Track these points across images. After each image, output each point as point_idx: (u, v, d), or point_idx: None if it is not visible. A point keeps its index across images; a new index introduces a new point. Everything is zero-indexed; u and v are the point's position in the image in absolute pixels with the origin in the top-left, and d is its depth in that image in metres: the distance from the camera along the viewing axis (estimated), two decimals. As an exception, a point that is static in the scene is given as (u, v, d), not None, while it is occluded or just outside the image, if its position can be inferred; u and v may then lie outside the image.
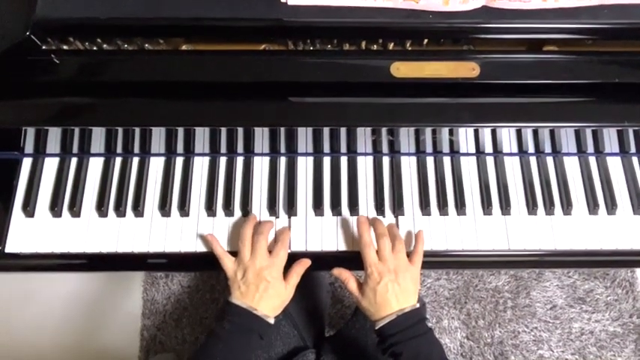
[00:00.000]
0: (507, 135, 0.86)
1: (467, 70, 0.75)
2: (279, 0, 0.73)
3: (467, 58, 0.76)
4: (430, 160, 0.87)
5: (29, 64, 0.74)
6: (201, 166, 0.87)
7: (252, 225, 0.80)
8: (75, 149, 0.86)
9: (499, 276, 1.47)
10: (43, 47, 0.75)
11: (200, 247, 0.82)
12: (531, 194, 0.85)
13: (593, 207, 0.84)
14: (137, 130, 0.84)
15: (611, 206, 0.84)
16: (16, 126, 0.80)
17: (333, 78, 0.76)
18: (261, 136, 0.84)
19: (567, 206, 0.84)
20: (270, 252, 0.77)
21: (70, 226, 0.83)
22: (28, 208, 0.83)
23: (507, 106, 0.77)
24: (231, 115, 0.78)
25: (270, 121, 0.79)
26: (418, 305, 0.74)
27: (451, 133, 0.84)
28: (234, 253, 0.78)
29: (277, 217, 0.84)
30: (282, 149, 0.86)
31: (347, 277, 0.78)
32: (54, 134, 0.84)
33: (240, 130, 0.84)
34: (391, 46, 0.80)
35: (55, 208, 0.83)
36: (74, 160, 0.87)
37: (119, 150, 0.86)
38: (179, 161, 0.87)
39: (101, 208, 0.83)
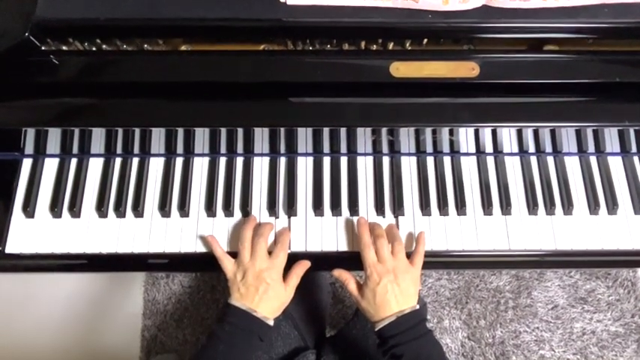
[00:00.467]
0: (508, 135, 0.86)
1: (467, 69, 0.75)
2: (279, 0, 0.73)
3: (467, 57, 0.76)
4: (430, 160, 0.87)
5: (28, 64, 0.74)
6: (200, 166, 0.87)
7: (252, 226, 0.80)
8: (75, 150, 0.86)
9: (500, 276, 1.46)
10: (43, 48, 0.75)
11: (200, 248, 0.82)
12: (532, 194, 0.85)
13: (594, 207, 0.84)
14: (137, 131, 0.84)
15: (612, 206, 0.84)
16: (15, 127, 0.80)
17: (333, 78, 0.76)
18: (261, 136, 0.84)
19: (568, 206, 0.84)
20: (269, 254, 0.77)
21: (70, 227, 0.83)
22: (28, 209, 0.83)
23: (508, 105, 0.77)
24: (231, 116, 0.78)
25: (269, 122, 0.78)
26: (418, 307, 0.74)
27: (451, 133, 0.84)
28: (234, 254, 0.78)
29: (277, 217, 0.84)
30: (282, 149, 0.86)
31: (347, 278, 0.77)
32: (54, 135, 0.84)
33: (240, 131, 0.84)
34: (391, 45, 0.80)
35: (55, 209, 0.83)
36: (74, 161, 0.87)
37: (119, 150, 0.86)
38: (179, 162, 0.87)
39: (101, 209, 0.83)
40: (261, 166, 0.87)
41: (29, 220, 0.83)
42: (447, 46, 0.81)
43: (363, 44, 0.80)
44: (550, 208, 0.84)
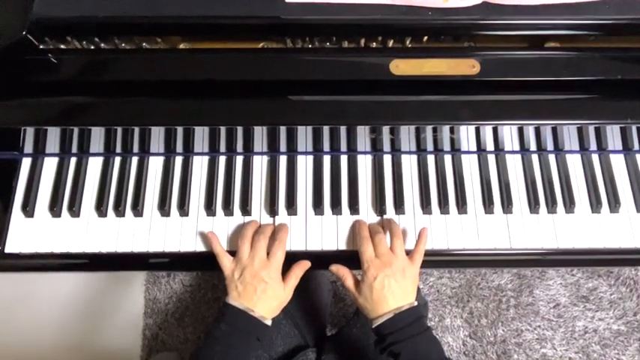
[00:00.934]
0: (509, 133, 0.85)
1: (467, 67, 0.74)
2: (278, -2, 0.72)
3: (467, 55, 0.76)
4: (431, 159, 0.87)
5: (26, 63, 0.74)
6: (200, 165, 0.87)
7: (252, 226, 0.79)
8: (74, 149, 0.86)
9: (502, 274, 1.46)
10: (41, 47, 0.75)
11: (200, 247, 0.82)
12: (533, 192, 0.84)
13: (595, 205, 0.83)
14: (136, 130, 0.84)
15: (614, 204, 0.83)
16: (13, 126, 0.79)
17: (332, 76, 0.76)
18: (261, 134, 0.84)
19: (570, 204, 0.83)
20: (268, 253, 0.77)
21: (70, 226, 0.83)
22: (28, 208, 0.83)
23: (508, 103, 0.77)
24: (230, 114, 0.77)
25: (269, 120, 0.78)
26: (416, 303, 0.73)
27: (452, 131, 0.84)
28: (234, 253, 0.78)
29: (277, 215, 0.83)
30: (282, 148, 0.86)
31: (344, 273, 0.77)
32: (53, 134, 0.84)
33: (240, 129, 0.83)
34: (390, 43, 0.79)
35: (55, 208, 0.83)
36: (73, 160, 0.86)
37: (118, 149, 0.86)
38: (178, 160, 0.87)
39: (100, 208, 0.83)
40: (261, 164, 0.87)
41: (29, 219, 0.83)
42: (448, 44, 0.80)
43: (362, 42, 0.79)
44: (552, 207, 0.83)
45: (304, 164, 0.86)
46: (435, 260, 0.83)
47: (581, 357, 1.39)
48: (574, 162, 0.87)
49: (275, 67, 0.76)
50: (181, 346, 1.41)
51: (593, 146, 0.86)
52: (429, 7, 0.72)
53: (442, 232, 0.82)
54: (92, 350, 1.43)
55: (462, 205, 0.83)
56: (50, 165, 0.86)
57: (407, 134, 0.84)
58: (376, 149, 0.86)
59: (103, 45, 0.79)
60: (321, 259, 0.81)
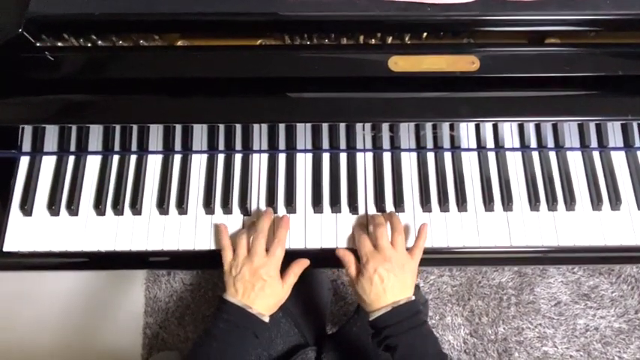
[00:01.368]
0: (509, 130, 0.85)
1: (466, 63, 0.74)
2: (275, -6, 0.72)
3: (466, 51, 0.75)
4: (431, 156, 0.86)
5: (23, 61, 0.74)
6: (199, 163, 0.86)
7: (253, 222, 0.79)
8: (72, 147, 0.86)
9: (503, 272, 1.45)
10: (37, 44, 0.75)
11: (198, 245, 0.82)
12: (534, 190, 0.84)
13: (596, 202, 0.83)
14: (134, 128, 0.84)
15: (615, 202, 0.83)
16: (10, 124, 0.79)
17: (331, 73, 0.75)
18: (259, 132, 0.83)
19: (570, 202, 0.83)
20: (267, 250, 0.76)
21: (68, 225, 0.83)
22: (26, 207, 0.83)
23: (508, 100, 0.76)
24: (229, 112, 0.77)
25: (267, 117, 0.78)
26: (414, 298, 0.73)
27: (452, 128, 0.83)
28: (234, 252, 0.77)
29: (276, 214, 0.83)
30: (281, 146, 0.86)
31: (349, 260, 0.76)
32: (51, 132, 0.84)
33: (238, 127, 0.83)
34: (389, 39, 0.79)
35: (53, 207, 0.83)
36: (71, 159, 0.86)
37: (116, 148, 0.86)
38: (177, 159, 0.86)
39: (99, 207, 0.83)
40: (259, 162, 0.86)
41: (27, 218, 0.83)
42: (447, 40, 0.80)
43: (361, 38, 0.79)
44: (552, 204, 0.83)
45: (303, 162, 0.86)
46: (435, 258, 0.83)
47: (582, 355, 1.38)
48: (575, 159, 0.86)
49: (273, 65, 0.76)
50: (182, 345, 1.40)
51: (593, 143, 0.86)
52: (429, 3, 0.72)
53: (442, 230, 0.82)
54: (93, 349, 1.42)
55: (461, 203, 0.82)
56: (48, 163, 0.86)
57: (406, 131, 0.83)
58: (376, 147, 0.86)
59: (100, 42, 0.78)
60: (320, 258, 0.81)
